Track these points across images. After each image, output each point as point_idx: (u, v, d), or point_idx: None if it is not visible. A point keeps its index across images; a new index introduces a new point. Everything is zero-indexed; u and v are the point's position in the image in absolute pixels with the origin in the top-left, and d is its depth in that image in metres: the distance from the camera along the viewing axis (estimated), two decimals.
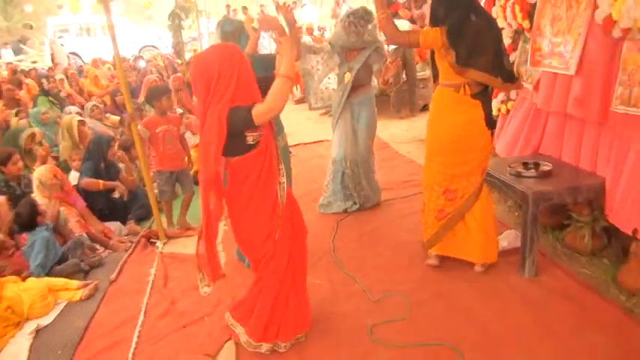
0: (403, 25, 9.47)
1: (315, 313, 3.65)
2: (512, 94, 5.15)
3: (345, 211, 5.56)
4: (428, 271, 4.30)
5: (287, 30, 3.77)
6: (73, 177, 6.01)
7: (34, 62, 17.74)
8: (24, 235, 4.80)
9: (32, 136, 6.69)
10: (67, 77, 12.46)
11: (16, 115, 8.33)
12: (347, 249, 4.77)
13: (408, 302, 3.86)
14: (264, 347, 3.42)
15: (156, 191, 5.63)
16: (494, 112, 5.35)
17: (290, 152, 5.28)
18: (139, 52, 20.47)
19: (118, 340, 3.79)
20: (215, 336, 3.72)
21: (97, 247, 5.21)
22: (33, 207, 4.81)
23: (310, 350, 3.46)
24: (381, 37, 5.01)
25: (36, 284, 4.27)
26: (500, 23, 5.04)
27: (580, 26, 3.98)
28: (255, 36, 3.95)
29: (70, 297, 4.35)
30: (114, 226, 5.75)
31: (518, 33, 5.02)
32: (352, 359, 3.35)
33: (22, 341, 3.86)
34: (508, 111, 5.27)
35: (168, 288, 4.47)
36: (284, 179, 3.30)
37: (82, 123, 6.84)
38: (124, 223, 5.90)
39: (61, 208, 5.17)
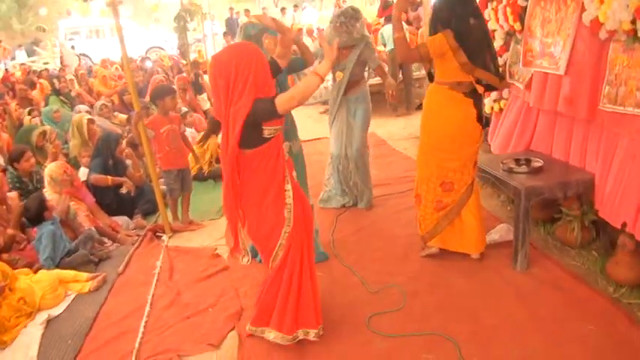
0: None
1: None
2: (505, 92, 5.22)
3: (344, 206, 5.64)
4: (424, 263, 4.36)
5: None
6: (83, 173, 6.08)
7: (47, 63, 17.85)
8: (35, 229, 4.91)
9: (43, 133, 6.78)
10: (76, 77, 12.61)
11: (29, 114, 8.46)
12: (345, 242, 4.83)
13: (405, 294, 3.92)
14: (300, 334, 3.42)
15: (162, 187, 5.72)
16: (487, 110, 5.46)
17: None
18: (146, 53, 20.53)
19: (125, 330, 3.85)
20: (219, 326, 3.77)
21: (105, 240, 5.29)
22: (41, 202, 4.88)
23: (310, 340, 3.46)
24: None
25: (47, 276, 4.35)
26: (492, 25, 5.13)
27: (569, 28, 4.03)
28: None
29: (80, 288, 4.42)
30: (121, 220, 5.82)
31: (509, 34, 5.09)
32: (351, 349, 3.40)
33: (33, 331, 3.93)
34: (501, 109, 5.33)
35: (174, 280, 4.53)
36: (289, 186, 3.32)
37: (91, 121, 6.89)
38: (131, 217, 5.97)
39: (71, 203, 5.25)
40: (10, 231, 4.72)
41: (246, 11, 20.17)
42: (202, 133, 7.28)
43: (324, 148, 5.59)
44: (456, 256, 4.35)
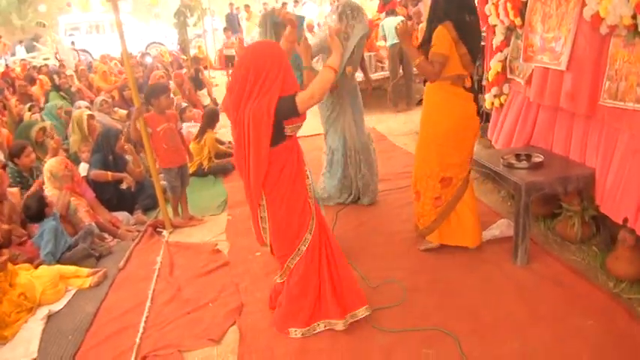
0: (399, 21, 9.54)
1: None
2: (505, 88, 5.24)
3: (342, 203, 5.62)
4: (424, 259, 4.37)
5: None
6: (83, 168, 6.07)
7: (47, 59, 17.84)
8: (36, 224, 4.91)
9: (43, 129, 6.77)
10: (76, 73, 12.61)
11: (29, 109, 8.46)
12: (346, 238, 4.80)
13: (405, 289, 3.93)
14: (321, 326, 3.54)
15: (163, 183, 5.72)
16: (488, 106, 5.47)
17: None
18: (146, 48, 20.53)
19: (126, 326, 3.86)
20: (219, 321, 3.78)
21: (106, 236, 5.29)
22: (41, 199, 4.86)
23: (310, 335, 3.51)
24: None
25: (47, 272, 4.35)
26: (493, 20, 5.14)
27: (570, 23, 4.04)
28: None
29: (80, 284, 4.42)
30: (122, 215, 5.81)
31: (510, 30, 5.09)
32: (351, 344, 3.40)
33: (34, 326, 3.93)
34: (501, 105, 5.34)
35: (174, 275, 4.54)
36: (310, 180, 3.48)
37: (91, 117, 6.89)
38: (131, 213, 5.96)
39: (71, 199, 5.25)
40: (5, 226, 4.70)
41: (246, 6, 20.17)
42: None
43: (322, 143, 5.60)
44: (456, 252, 4.37)
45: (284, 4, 19.00)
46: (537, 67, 4.56)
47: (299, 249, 3.44)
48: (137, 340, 3.67)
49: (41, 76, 11.91)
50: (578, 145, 4.21)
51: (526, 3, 4.65)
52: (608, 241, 4.12)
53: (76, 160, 6.38)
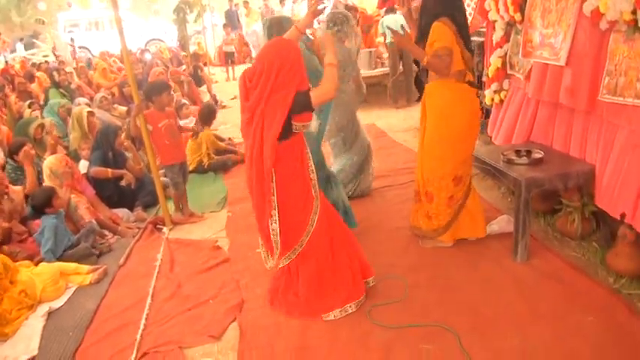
0: (399, 19, 9.51)
1: None
2: (505, 84, 5.24)
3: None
4: (424, 255, 4.37)
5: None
6: (83, 166, 6.07)
7: (46, 56, 17.86)
8: (37, 221, 4.93)
9: (42, 126, 6.76)
10: (76, 70, 12.61)
11: (29, 106, 8.47)
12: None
13: (406, 285, 3.93)
14: (352, 307, 3.69)
15: (163, 179, 5.74)
16: (488, 102, 5.46)
17: None
18: (146, 45, 20.55)
19: (127, 322, 3.86)
20: (219, 318, 3.79)
21: (106, 233, 5.30)
22: (51, 195, 4.87)
23: (311, 331, 3.53)
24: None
25: (48, 269, 4.36)
26: (493, 16, 5.13)
27: (569, 18, 4.03)
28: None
29: (81, 281, 4.43)
30: (122, 212, 5.81)
31: (510, 25, 5.08)
32: (351, 340, 3.41)
33: (35, 323, 3.94)
34: (501, 101, 5.32)
35: (175, 272, 4.54)
36: (314, 175, 3.62)
37: (91, 114, 6.88)
38: (131, 209, 5.96)
39: (72, 196, 5.25)
40: (5, 224, 4.70)
41: (245, 3, 20.14)
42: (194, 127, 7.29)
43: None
44: (457, 248, 4.38)
45: (282, 0, 18.96)
46: (536, 63, 4.55)
47: (307, 230, 3.56)
48: (138, 336, 3.66)
49: (39, 74, 11.91)
50: (578, 141, 4.21)
51: None
52: (608, 237, 4.11)
53: (76, 158, 6.38)
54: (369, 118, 9.04)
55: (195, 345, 3.56)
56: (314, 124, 4.14)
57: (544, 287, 3.78)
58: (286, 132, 3.33)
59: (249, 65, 3.67)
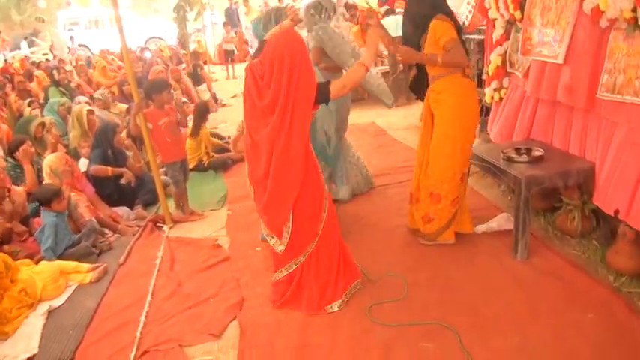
0: (398, 19, 9.49)
1: None
2: (505, 81, 5.24)
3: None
4: (423, 253, 4.37)
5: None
6: (83, 164, 6.07)
7: (46, 54, 17.87)
8: (37, 220, 4.93)
9: (42, 124, 6.76)
10: (75, 68, 12.60)
11: (29, 105, 8.46)
12: (346, 232, 4.69)
13: (405, 283, 3.93)
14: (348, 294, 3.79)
15: (163, 178, 5.73)
16: (488, 100, 5.46)
17: None
18: (145, 43, 20.54)
19: (127, 321, 3.86)
20: (220, 316, 3.79)
21: (106, 231, 5.29)
22: (56, 193, 4.85)
23: (311, 329, 3.54)
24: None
25: (48, 267, 4.36)
26: (493, 14, 5.13)
27: (568, 16, 4.02)
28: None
29: (81, 279, 4.43)
30: (122, 211, 5.82)
31: (510, 23, 5.07)
32: (351, 338, 3.41)
33: (35, 321, 3.93)
34: (501, 98, 5.32)
35: (175, 270, 4.54)
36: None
37: (90, 112, 6.87)
38: (131, 208, 5.96)
39: (71, 194, 5.24)
40: (7, 225, 4.70)
41: (245, 1, 20.13)
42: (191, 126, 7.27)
43: None
44: (456, 246, 4.39)
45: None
46: (535, 61, 4.55)
47: (318, 231, 3.62)
48: (138, 334, 3.66)
49: (37, 72, 11.90)
50: (578, 139, 4.21)
51: None
52: (608, 235, 4.11)
53: (76, 156, 6.38)
54: (369, 116, 9.05)
55: (196, 343, 3.56)
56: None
57: (544, 285, 3.79)
58: None
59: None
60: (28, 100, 8.70)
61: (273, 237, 3.69)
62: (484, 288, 3.82)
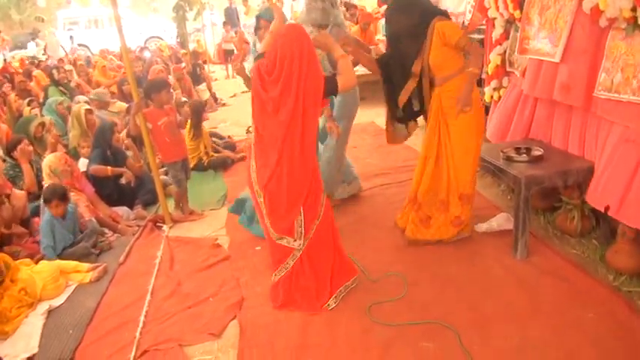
0: None
1: None
2: (504, 81, 5.24)
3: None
4: (424, 252, 4.36)
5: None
6: (82, 164, 6.05)
7: (45, 54, 17.87)
8: (37, 219, 4.93)
9: (42, 124, 6.75)
10: (75, 67, 12.60)
11: (28, 104, 8.46)
12: (346, 231, 4.76)
13: (405, 283, 3.94)
14: (342, 290, 3.80)
15: (163, 177, 5.74)
16: (487, 99, 5.46)
17: None
18: (145, 43, 20.54)
19: (126, 320, 3.86)
20: (219, 316, 3.79)
21: (106, 231, 5.28)
22: (65, 193, 4.86)
23: (311, 329, 3.53)
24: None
25: (48, 267, 4.35)
26: (492, 13, 5.13)
27: (567, 15, 4.03)
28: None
29: (81, 279, 4.43)
30: (122, 210, 5.81)
31: (509, 22, 5.06)
32: (351, 337, 3.41)
33: (35, 321, 3.93)
34: (500, 98, 5.33)
35: (174, 270, 4.54)
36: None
37: (89, 111, 6.85)
38: (131, 208, 5.96)
39: (71, 194, 5.20)
40: (4, 230, 4.69)
41: (244, 0, 20.10)
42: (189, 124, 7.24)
43: None
44: (456, 245, 4.39)
45: None
46: (532, 59, 4.56)
47: (319, 214, 3.61)
48: (137, 334, 3.67)
49: (35, 73, 11.90)
50: (577, 139, 4.21)
51: None
52: (608, 235, 4.12)
53: (76, 156, 6.37)
54: (369, 115, 9.03)
55: (195, 343, 3.56)
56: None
57: (544, 285, 3.79)
58: None
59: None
60: (27, 100, 8.69)
61: (284, 237, 3.64)
62: (484, 287, 3.83)
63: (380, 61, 4.40)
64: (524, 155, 4.25)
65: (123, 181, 6.03)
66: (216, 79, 15.37)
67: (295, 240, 3.63)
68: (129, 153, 6.44)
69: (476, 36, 6.00)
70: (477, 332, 3.35)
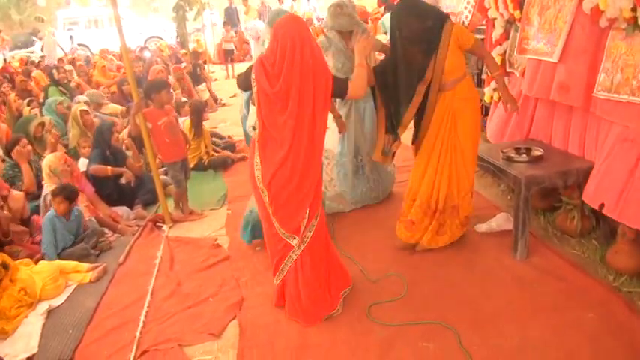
0: None
1: None
2: (505, 81, 5.20)
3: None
4: (423, 253, 4.35)
5: None
6: (82, 164, 6.05)
7: (32, 53, 17.89)
8: (36, 217, 4.92)
9: (42, 124, 6.75)
10: (74, 67, 12.61)
11: (28, 104, 8.45)
12: (346, 232, 4.82)
13: (405, 283, 3.94)
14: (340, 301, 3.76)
15: (163, 177, 5.74)
16: (487, 100, 5.46)
17: None
18: (145, 43, 20.54)
19: (126, 320, 3.86)
20: (219, 316, 3.79)
21: (106, 231, 5.28)
22: (73, 193, 4.89)
23: (311, 329, 3.54)
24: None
25: (47, 267, 4.36)
26: (492, 14, 5.14)
27: (566, 15, 4.04)
28: None
29: (81, 279, 4.43)
30: (122, 210, 5.81)
31: (509, 23, 5.08)
32: (351, 338, 3.42)
33: (34, 321, 3.93)
34: (500, 98, 5.30)
35: (174, 270, 4.54)
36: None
37: (85, 112, 6.84)
38: (131, 208, 5.96)
39: None
40: (2, 237, 4.69)
41: (244, 0, 20.12)
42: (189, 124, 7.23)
43: None
44: (456, 246, 4.38)
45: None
46: (530, 60, 4.56)
47: (315, 219, 3.52)
48: (137, 334, 3.67)
49: (35, 73, 11.89)
50: (577, 139, 4.22)
51: None
52: (608, 235, 4.12)
53: (76, 156, 6.36)
54: None
55: (195, 343, 3.56)
56: None
57: (544, 284, 3.79)
58: None
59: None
60: (27, 100, 8.69)
61: (294, 237, 3.52)
62: (484, 287, 3.83)
63: (377, 69, 4.24)
64: (524, 155, 4.25)
65: (123, 181, 6.04)
66: (216, 79, 15.37)
67: (302, 243, 3.55)
68: (129, 153, 6.43)
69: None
70: (476, 332, 3.35)
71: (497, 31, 5.18)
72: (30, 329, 3.86)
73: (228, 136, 8.39)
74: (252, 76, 3.36)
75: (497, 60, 5.21)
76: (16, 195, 5.18)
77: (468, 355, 3.16)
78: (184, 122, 7.25)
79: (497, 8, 5.08)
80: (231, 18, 19.45)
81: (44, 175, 5.36)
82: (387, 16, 9.63)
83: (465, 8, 5.83)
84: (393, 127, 4.31)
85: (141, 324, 3.79)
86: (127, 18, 18.04)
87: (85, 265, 4.56)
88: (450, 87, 4.07)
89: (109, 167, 5.93)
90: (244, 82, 3.52)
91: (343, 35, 4.87)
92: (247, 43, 18.68)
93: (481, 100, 4.85)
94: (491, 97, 5.43)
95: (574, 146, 4.25)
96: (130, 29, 15.97)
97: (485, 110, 5.83)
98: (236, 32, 18.54)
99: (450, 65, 3.97)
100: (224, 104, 11.85)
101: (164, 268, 4.58)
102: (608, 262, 3.88)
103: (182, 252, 4.88)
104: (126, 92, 9.65)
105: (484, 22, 5.57)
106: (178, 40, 18.72)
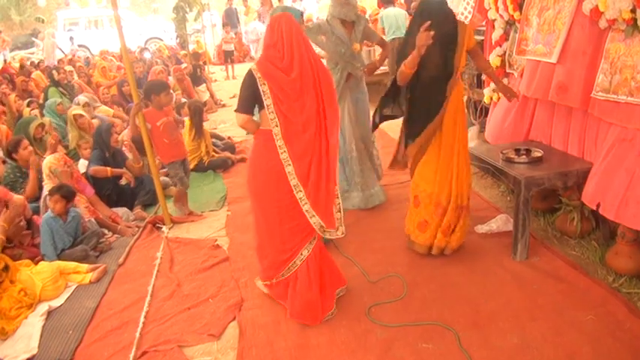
0: (398, 13, 9.48)
1: None
2: (504, 82, 5.22)
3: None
4: (423, 254, 4.34)
5: None
6: (82, 165, 6.06)
7: (32, 53, 17.88)
8: (37, 219, 4.93)
9: (42, 125, 6.74)
10: (74, 68, 12.61)
11: (28, 105, 8.45)
12: (346, 233, 4.77)
13: (404, 284, 3.94)
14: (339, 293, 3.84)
15: (163, 178, 5.73)
16: (487, 101, 5.46)
17: None
18: (145, 43, 20.54)
19: (126, 321, 3.87)
20: (219, 317, 3.79)
21: (106, 232, 5.29)
22: (72, 193, 4.90)
23: (310, 330, 3.53)
24: None
25: (47, 268, 4.36)
26: (492, 15, 5.14)
27: (565, 16, 4.04)
28: None
29: (80, 280, 4.44)
30: (121, 211, 5.81)
31: (509, 24, 5.08)
32: (351, 339, 3.41)
33: (34, 322, 3.93)
34: (499, 99, 5.32)
35: (174, 271, 4.54)
36: None
37: (79, 115, 6.81)
38: (131, 209, 5.96)
39: None
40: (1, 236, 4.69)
41: (244, 1, 20.14)
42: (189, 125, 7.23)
43: None
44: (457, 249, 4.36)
45: None
46: (529, 61, 4.57)
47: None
48: (137, 335, 3.67)
49: (34, 75, 11.89)
50: (577, 140, 4.22)
51: None
52: (608, 236, 4.13)
53: (76, 157, 6.38)
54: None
55: (195, 344, 3.56)
56: None
57: (543, 286, 3.79)
58: None
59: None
60: (27, 101, 8.69)
61: (327, 230, 3.49)
62: (483, 288, 3.83)
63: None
64: (524, 156, 4.25)
65: (123, 182, 6.05)
66: (215, 80, 15.37)
67: (337, 229, 3.55)
68: (129, 154, 6.43)
69: (475, 37, 5.99)
70: (476, 333, 3.35)
71: (497, 33, 5.18)
72: (30, 330, 3.86)
73: (228, 137, 8.39)
74: (258, 75, 3.28)
75: (497, 61, 5.23)
76: (18, 199, 5.16)
77: (468, 355, 3.16)
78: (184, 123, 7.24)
79: (497, 9, 5.08)
80: (230, 19, 19.46)
81: (44, 175, 5.37)
82: (386, 11, 9.63)
83: (465, 9, 5.84)
84: (412, 135, 4.25)
85: (141, 325, 3.78)
86: (127, 19, 18.05)
87: (85, 266, 4.55)
88: (455, 85, 4.10)
89: (109, 168, 5.93)
90: (249, 88, 3.38)
91: (345, 24, 4.96)
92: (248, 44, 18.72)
93: (481, 101, 4.83)
94: (491, 98, 5.42)
95: (574, 147, 4.25)
96: (130, 30, 15.98)
97: (485, 111, 5.84)
98: (236, 33, 18.55)
99: (462, 63, 4.01)
100: (224, 105, 11.85)
101: (164, 269, 4.58)
102: (608, 264, 3.88)
103: (182, 253, 4.88)
104: (126, 93, 9.66)
105: (484, 24, 5.58)
106: (178, 41, 18.69)
